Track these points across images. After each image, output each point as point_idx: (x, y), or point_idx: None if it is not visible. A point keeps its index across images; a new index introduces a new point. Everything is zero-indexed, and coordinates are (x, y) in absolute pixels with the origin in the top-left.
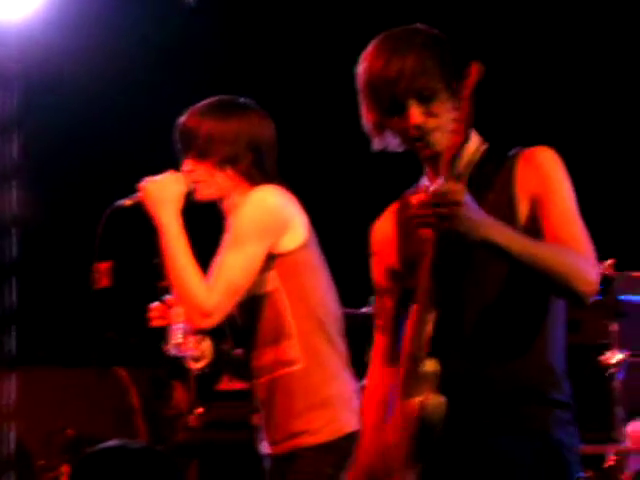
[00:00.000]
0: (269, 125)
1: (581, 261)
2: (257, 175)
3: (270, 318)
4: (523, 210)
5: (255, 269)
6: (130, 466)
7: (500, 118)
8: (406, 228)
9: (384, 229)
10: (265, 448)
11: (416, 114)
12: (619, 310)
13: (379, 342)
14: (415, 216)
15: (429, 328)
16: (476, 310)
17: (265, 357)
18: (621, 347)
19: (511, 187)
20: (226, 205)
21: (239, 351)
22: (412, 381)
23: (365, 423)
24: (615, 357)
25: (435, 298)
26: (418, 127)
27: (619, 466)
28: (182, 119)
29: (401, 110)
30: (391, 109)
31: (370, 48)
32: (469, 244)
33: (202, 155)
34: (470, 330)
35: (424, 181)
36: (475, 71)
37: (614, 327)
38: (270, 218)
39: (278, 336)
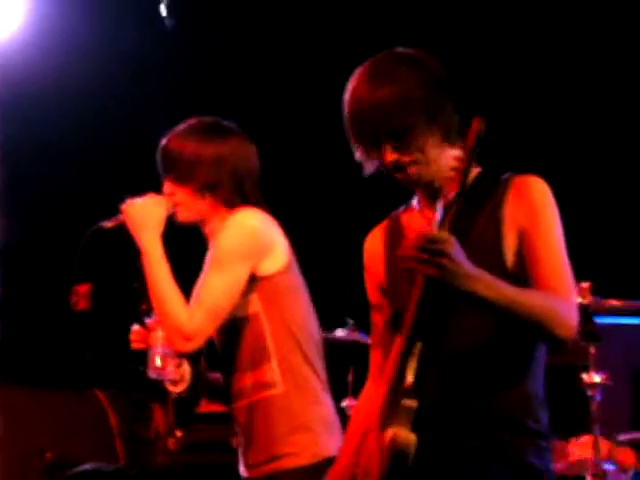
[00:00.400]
0: (251, 149)
1: (563, 307)
2: (237, 201)
3: (250, 341)
4: (510, 242)
5: (237, 292)
6: None
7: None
8: (393, 248)
9: (374, 245)
10: (244, 472)
11: (389, 153)
12: (595, 333)
13: (373, 359)
14: (403, 257)
15: (413, 361)
16: (458, 342)
17: (245, 380)
18: (598, 369)
19: (499, 217)
20: (207, 229)
21: (216, 375)
22: (391, 412)
23: (349, 435)
24: (593, 379)
25: (420, 332)
26: (394, 162)
27: None
28: (164, 141)
29: (378, 146)
30: (370, 144)
31: (352, 79)
32: (452, 292)
33: (182, 179)
34: (451, 362)
35: (415, 201)
36: (476, 126)
37: (591, 350)
38: (251, 241)
39: (258, 359)
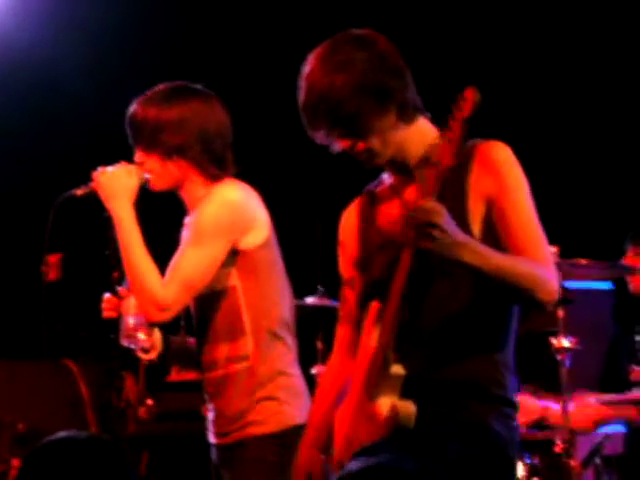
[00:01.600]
0: (219, 111)
1: (544, 271)
2: (208, 163)
3: (226, 313)
4: (477, 211)
5: (214, 267)
6: (79, 456)
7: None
8: (367, 222)
9: (349, 220)
10: (212, 438)
11: (341, 141)
12: (565, 297)
13: (341, 333)
14: (394, 230)
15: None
16: (432, 311)
17: (218, 351)
18: (567, 334)
19: (464, 187)
20: (184, 195)
21: (192, 340)
22: (378, 382)
23: (317, 406)
24: (562, 344)
25: (405, 302)
26: (348, 149)
27: (567, 452)
28: (130, 110)
29: (332, 137)
30: (325, 132)
31: (306, 64)
32: (441, 260)
33: (149, 146)
34: (426, 331)
35: (385, 176)
36: (471, 95)
37: (560, 314)
38: (234, 216)
39: (233, 332)
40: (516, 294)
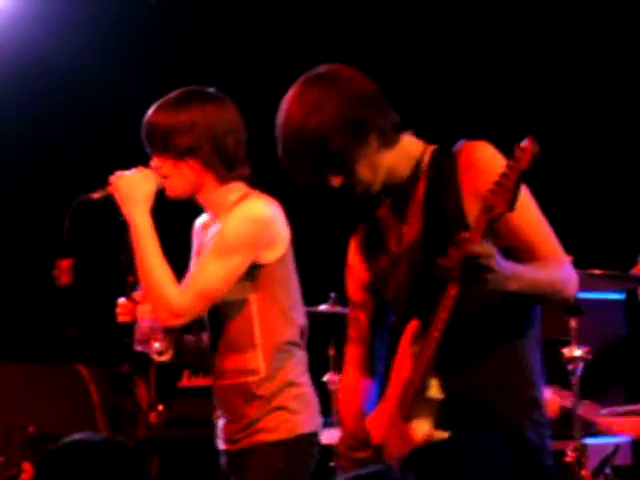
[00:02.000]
0: (232, 113)
1: (565, 270)
2: (219, 164)
3: (238, 325)
4: (472, 211)
5: (233, 280)
6: (95, 459)
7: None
8: (374, 245)
9: (357, 245)
10: (222, 445)
11: (334, 180)
12: (578, 307)
13: (353, 352)
14: (446, 267)
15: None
16: (460, 321)
17: (228, 362)
18: (580, 343)
19: (458, 189)
20: (201, 200)
21: (206, 338)
22: (414, 404)
23: (343, 414)
24: (574, 353)
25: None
26: (342, 186)
27: (578, 462)
28: (145, 117)
29: (322, 177)
30: (312, 175)
31: (280, 109)
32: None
33: (164, 150)
34: (461, 350)
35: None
36: (529, 147)
37: (573, 323)
38: (259, 232)
39: (244, 345)
40: (549, 300)
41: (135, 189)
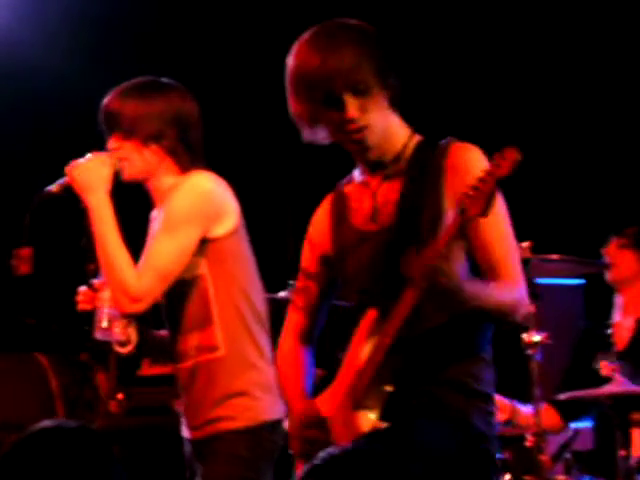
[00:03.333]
0: (192, 103)
1: (520, 295)
2: (182, 152)
3: (195, 303)
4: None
5: (187, 256)
6: (67, 445)
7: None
8: (339, 220)
9: (321, 218)
10: (185, 432)
11: (353, 108)
12: (535, 292)
13: (296, 319)
14: (406, 270)
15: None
16: (419, 325)
17: (189, 341)
18: (538, 329)
19: (440, 188)
20: (152, 185)
21: (164, 332)
22: (364, 394)
23: (293, 403)
24: (533, 338)
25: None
26: (353, 120)
27: (537, 447)
28: (105, 101)
29: (337, 104)
30: (327, 103)
31: (302, 42)
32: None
33: (128, 134)
34: (413, 344)
35: (356, 172)
36: (510, 157)
37: (531, 309)
38: (205, 205)
39: (202, 321)
40: (500, 320)
41: (91, 176)
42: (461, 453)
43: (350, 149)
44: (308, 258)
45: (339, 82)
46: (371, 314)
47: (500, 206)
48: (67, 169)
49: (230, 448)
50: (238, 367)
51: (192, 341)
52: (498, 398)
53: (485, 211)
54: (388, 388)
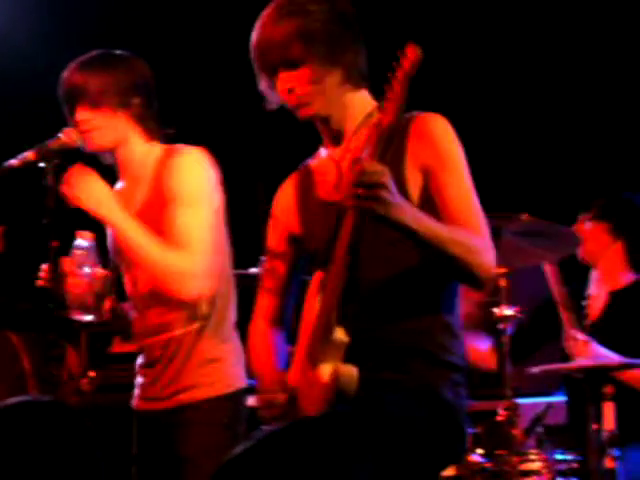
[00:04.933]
0: (151, 72)
1: (480, 242)
2: (149, 119)
3: None
4: (414, 181)
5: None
6: (41, 420)
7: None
8: (305, 195)
9: (285, 195)
10: (143, 404)
11: (282, 81)
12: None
13: (266, 303)
14: (343, 194)
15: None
16: (373, 274)
17: (164, 315)
18: (510, 303)
19: (402, 156)
20: (121, 154)
21: (127, 305)
22: (321, 348)
23: (264, 379)
24: (504, 312)
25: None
26: (288, 91)
27: (509, 421)
28: (66, 75)
29: (274, 76)
30: (270, 73)
31: (263, 12)
32: (380, 222)
33: (96, 104)
34: (370, 291)
35: (322, 150)
36: (411, 53)
37: (503, 283)
38: (211, 179)
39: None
40: (453, 266)
41: (93, 191)
42: (429, 424)
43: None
44: (274, 237)
45: (275, 54)
46: (317, 276)
47: (459, 162)
48: (68, 195)
49: (210, 416)
50: (212, 338)
51: (167, 315)
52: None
53: (398, 114)
54: (342, 337)
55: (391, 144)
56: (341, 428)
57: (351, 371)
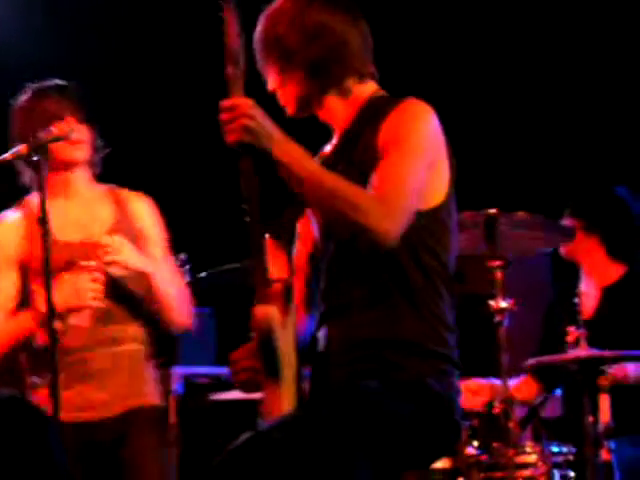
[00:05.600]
0: None
1: (371, 211)
2: None
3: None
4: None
5: None
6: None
7: None
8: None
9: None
10: (89, 413)
11: (271, 78)
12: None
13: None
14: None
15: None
16: (344, 271)
17: (126, 330)
18: (505, 295)
19: (377, 129)
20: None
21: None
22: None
23: None
24: (500, 305)
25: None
26: (273, 89)
27: (505, 413)
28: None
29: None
30: (263, 71)
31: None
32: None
33: None
34: (345, 284)
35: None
36: (228, 22)
37: (498, 276)
38: None
39: (130, 315)
40: (331, 217)
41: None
42: (418, 417)
43: None
44: (297, 252)
45: (262, 52)
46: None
47: (411, 144)
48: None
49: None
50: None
51: (128, 330)
52: (474, 380)
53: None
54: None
55: (369, 123)
56: (331, 427)
57: (267, 309)
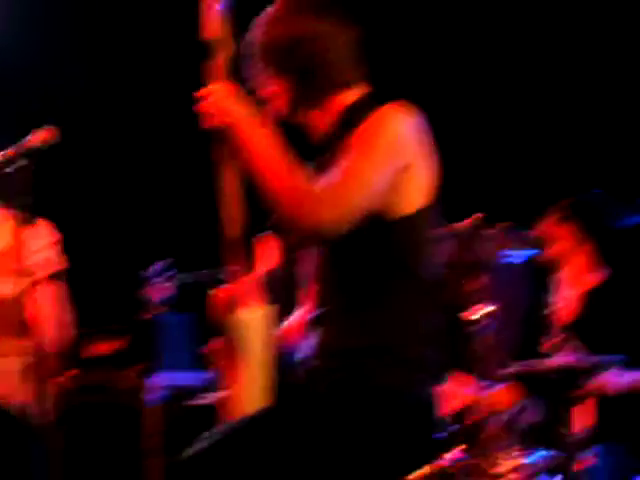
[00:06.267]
0: None
1: (300, 191)
2: None
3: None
4: None
5: None
6: None
7: None
8: None
9: None
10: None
11: (261, 83)
12: (485, 265)
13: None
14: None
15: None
16: (329, 270)
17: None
18: (488, 301)
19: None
20: None
21: None
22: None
23: None
24: (482, 311)
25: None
26: (261, 94)
27: (482, 421)
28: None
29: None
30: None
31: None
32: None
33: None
34: (328, 291)
35: None
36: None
37: (481, 281)
38: None
39: None
40: (260, 185)
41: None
42: (393, 426)
43: None
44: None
45: (250, 58)
46: None
47: (371, 148)
48: None
49: None
50: None
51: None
52: (454, 387)
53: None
54: None
55: (345, 132)
56: (303, 436)
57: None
